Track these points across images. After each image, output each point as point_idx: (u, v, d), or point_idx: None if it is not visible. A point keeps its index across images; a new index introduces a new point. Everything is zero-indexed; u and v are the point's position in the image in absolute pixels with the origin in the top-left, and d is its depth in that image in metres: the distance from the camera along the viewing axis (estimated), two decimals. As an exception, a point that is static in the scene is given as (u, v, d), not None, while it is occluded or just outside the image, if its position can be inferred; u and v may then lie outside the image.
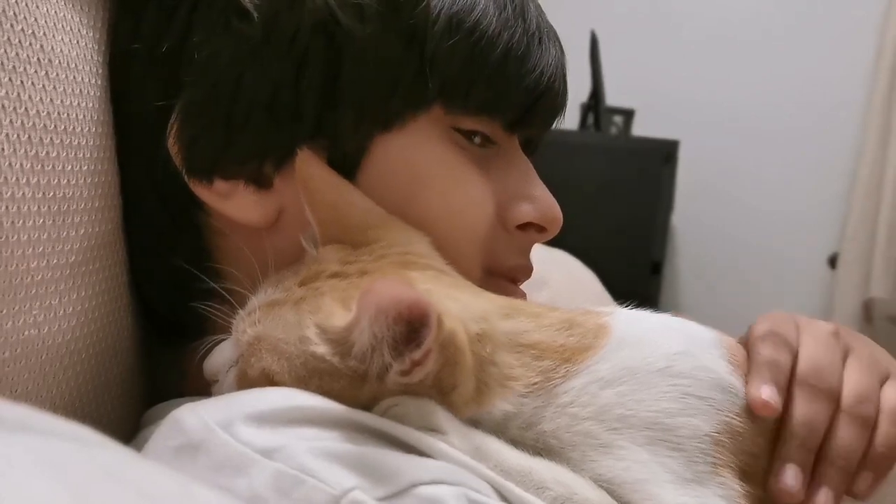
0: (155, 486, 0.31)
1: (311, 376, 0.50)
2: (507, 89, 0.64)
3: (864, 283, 3.12)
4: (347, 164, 0.62)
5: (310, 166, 0.59)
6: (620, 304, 0.60)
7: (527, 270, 0.70)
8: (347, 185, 0.60)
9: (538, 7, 0.69)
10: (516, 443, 0.50)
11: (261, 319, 0.53)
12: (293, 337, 0.50)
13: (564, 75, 0.69)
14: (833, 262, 3.22)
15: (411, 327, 0.46)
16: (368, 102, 0.61)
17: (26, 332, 0.52)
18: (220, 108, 0.60)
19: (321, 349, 0.49)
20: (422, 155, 0.63)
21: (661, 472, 0.48)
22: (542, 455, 0.50)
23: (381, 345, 0.47)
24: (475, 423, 0.50)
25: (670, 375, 0.51)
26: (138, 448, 0.51)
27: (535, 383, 0.50)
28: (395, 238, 0.58)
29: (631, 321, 0.55)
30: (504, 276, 0.68)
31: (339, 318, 0.49)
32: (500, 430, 0.50)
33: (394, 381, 0.48)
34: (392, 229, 0.59)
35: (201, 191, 0.62)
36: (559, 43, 0.69)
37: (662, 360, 0.51)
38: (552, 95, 0.67)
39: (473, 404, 0.50)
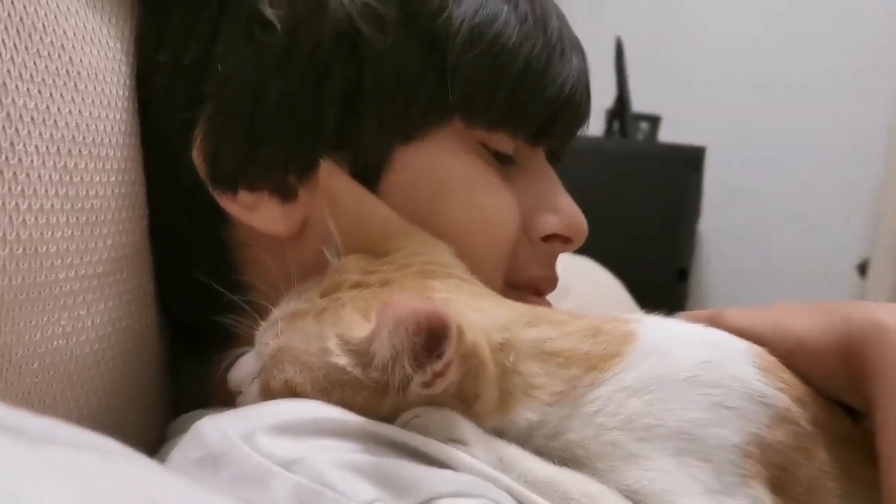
0: (179, 499, 0.31)
1: (332, 388, 0.50)
2: (527, 101, 0.64)
3: (895, 290, 3.07)
4: (370, 175, 0.62)
5: (333, 177, 0.59)
6: (647, 311, 0.60)
7: (552, 281, 0.70)
8: (370, 195, 0.60)
9: (561, 17, 0.68)
10: (542, 453, 0.50)
11: (283, 331, 0.53)
12: (315, 348, 0.50)
13: (587, 85, 0.69)
14: (863, 269, 3.18)
15: (431, 338, 0.45)
16: (389, 113, 0.61)
17: (55, 343, 0.52)
18: (243, 119, 0.60)
19: (342, 360, 0.49)
20: (444, 166, 0.63)
21: (689, 482, 0.48)
22: (567, 465, 0.49)
23: (402, 356, 0.46)
24: (499, 433, 0.50)
25: (699, 384, 0.50)
26: (163, 459, 0.51)
27: (561, 392, 0.50)
28: (417, 247, 0.58)
29: (658, 329, 0.55)
30: (527, 288, 0.68)
31: (360, 329, 0.49)
32: (525, 439, 0.50)
33: (416, 392, 0.47)
34: (414, 239, 0.59)
35: (226, 202, 0.62)
36: (582, 52, 0.69)
37: (690, 369, 0.51)
38: (573, 106, 0.67)
39: (497, 414, 0.50)
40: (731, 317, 0.58)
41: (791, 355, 0.55)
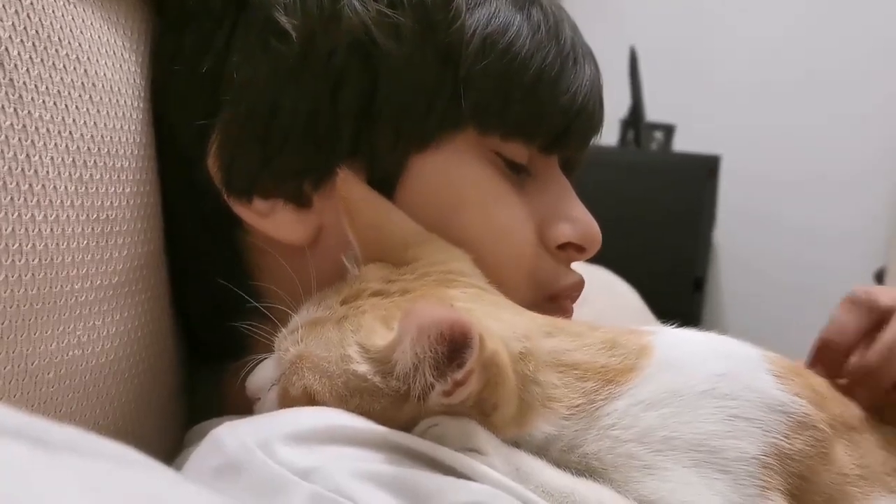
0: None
1: (352, 395, 0.49)
2: (540, 111, 0.64)
3: (913, 298, 3.04)
4: (386, 183, 0.62)
5: (350, 186, 0.59)
6: (663, 321, 0.59)
7: (581, 286, 0.69)
8: (388, 203, 0.60)
9: (574, 27, 0.68)
10: (558, 464, 0.49)
11: (303, 338, 0.53)
12: (335, 355, 0.50)
13: (600, 95, 0.69)
14: (880, 277, 3.15)
15: (453, 347, 0.45)
16: (404, 122, 0.61)
17: (70, 353, 0.52)
18: (258, 128, 0.60)
19: (362, 368, 0.49)
20: (458, 175, 0.63)
21: (708, 494, 0.47)
22: (584, 476, 0.49)
23: (423, 365, 0.46)
24: (516, 445, 0.50)
25: (715, 397, 0.50)
26: (181, 465, 0.51)
27: (578, 405, 0.50)
28: (436, 256, 0.58)
29: (674, 341, 0.54)
30: (563, 297, 0.67)
31: (381, 337, 0.49)
32: (541, 451, 0.50)
33: (435, 401, 0.47)
34: (433, 247, 0.59)
35: (241, 209, 0.62)
36: (595, 61, 0.69)
37: (707, 382, 0.50)
38: (586, 116, 0.67)
39: (515, 425, 0.49)
40: None
41: None
